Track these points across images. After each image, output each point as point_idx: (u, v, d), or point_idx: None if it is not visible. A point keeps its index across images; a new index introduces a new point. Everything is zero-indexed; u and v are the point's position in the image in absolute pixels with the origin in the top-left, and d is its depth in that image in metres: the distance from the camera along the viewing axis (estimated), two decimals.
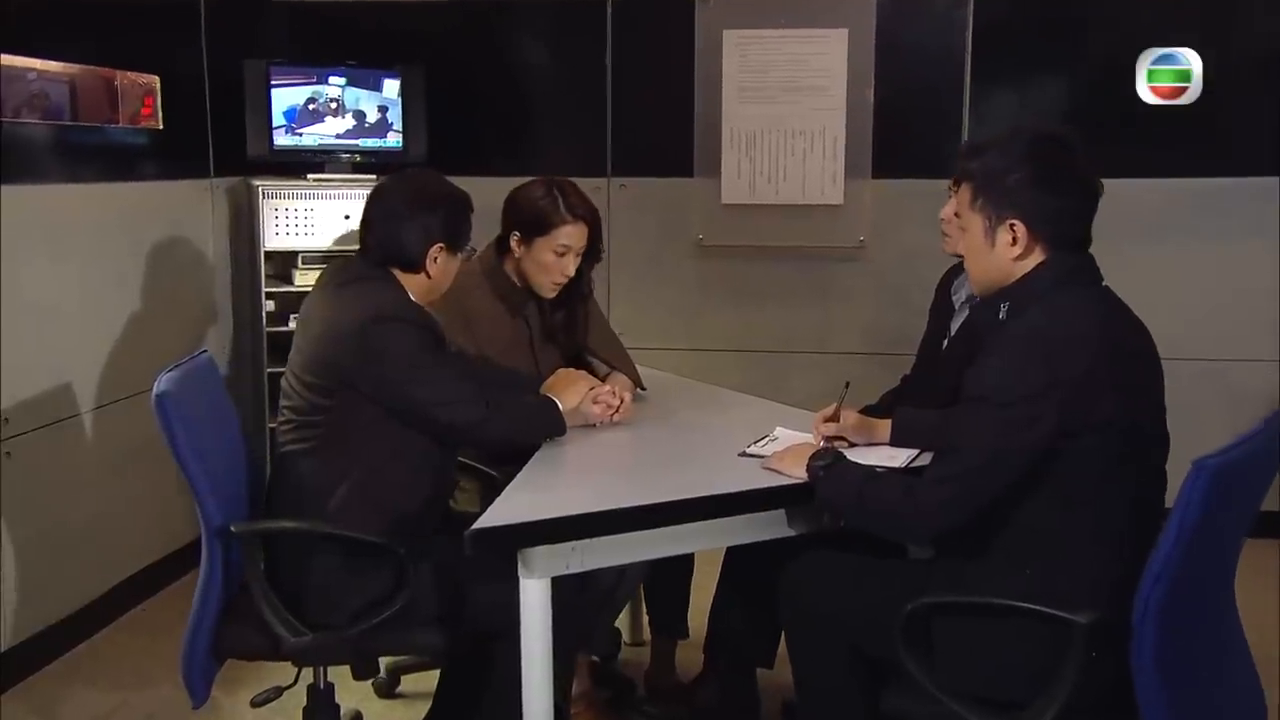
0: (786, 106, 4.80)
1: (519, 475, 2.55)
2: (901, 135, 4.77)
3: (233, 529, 2.45)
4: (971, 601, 2.18)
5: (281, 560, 2.59)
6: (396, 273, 2.69)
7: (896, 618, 2.19)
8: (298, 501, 2.60)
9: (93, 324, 3.87)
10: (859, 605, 2.39)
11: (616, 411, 2.92)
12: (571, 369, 3.05)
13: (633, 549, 2.40)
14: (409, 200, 2.69)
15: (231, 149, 4.52)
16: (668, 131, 4.92)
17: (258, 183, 4.45)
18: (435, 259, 2.69)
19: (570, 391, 2.89)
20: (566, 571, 2.29)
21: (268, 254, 4.46)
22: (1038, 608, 2.08)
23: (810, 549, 2.54)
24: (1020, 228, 2.22)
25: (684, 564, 3.28)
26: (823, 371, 4.63)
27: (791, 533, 2.50)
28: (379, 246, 2.68)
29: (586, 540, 2.29)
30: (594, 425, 2.90)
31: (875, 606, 2.30)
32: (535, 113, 5.03)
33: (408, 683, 3.45)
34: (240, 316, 4.68)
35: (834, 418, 2.70)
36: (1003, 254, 2.26)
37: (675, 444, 2.92)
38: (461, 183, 2.81)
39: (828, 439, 2.68)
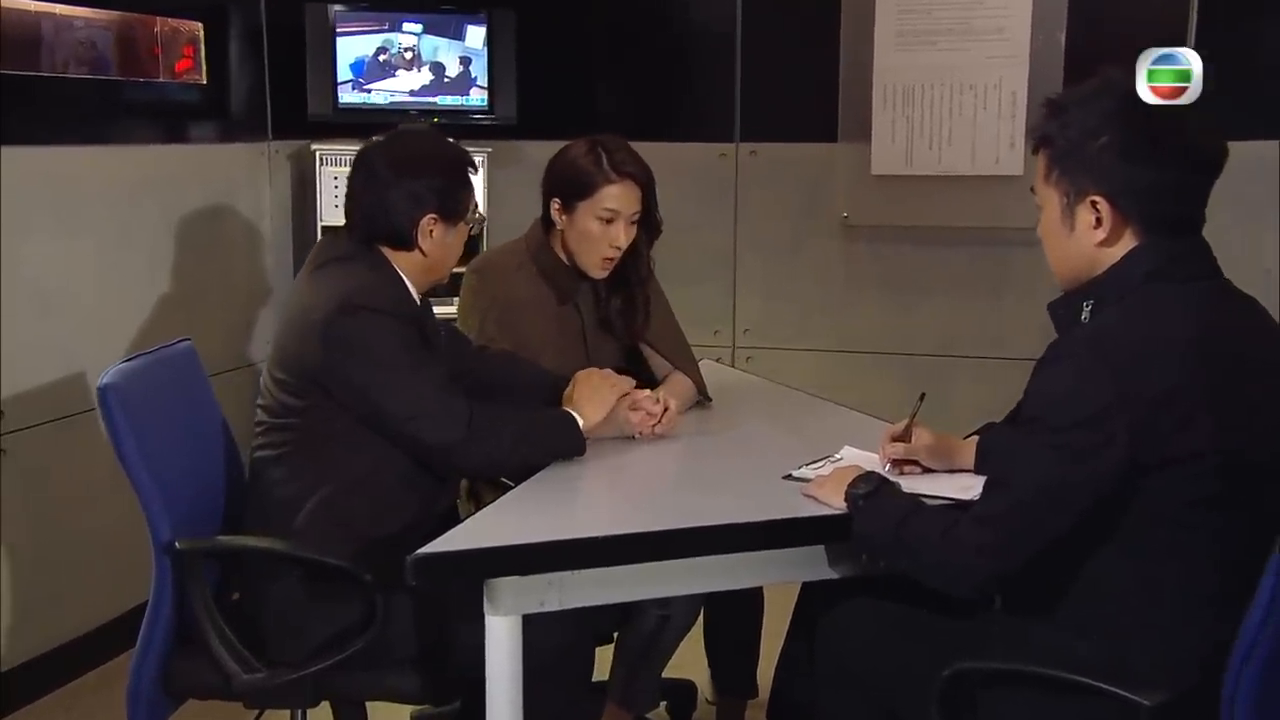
0: (954, 54, 4.67)
1: (509, 492, 2.58)
2: None
3: (178, 545, 2.54)
4: (1016, 670, 2.11)
5: (248, 584, 2.69)
6: (387, 251, 2.74)
7: (934, 683, 2.14)
8: (265, 515, 2.69)
9: (112, 307, 4.05)
10: (898, 665, 2.34)
11: (659, 421, 2.92)
12: (595, 370, 3.00)
13: (624, 586, 2.39)
14: (394, 164, 2.72)
15: (291, 108, 4.69)
16: (807, 86, 4.86)
17: (315, 147, 4.60)
18: (430, 232, 2.72)
19: (593, 403, 2.86)
20: (541, 609, 2.29)
21: (326, 230, 4.57)
22: (1092, 682, 2.00)
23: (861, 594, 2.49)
24: (1104, 205, 2.14)
25: (748, 606, 3.24)
26: (993, 380, 4.49)
27: (833, 575, 2.46)
28: (364, 220, 2.73)
29: (567, 573, 2.29)
30: (633, 437, 2.91)
31: (916, 668, 2.25)
32: (648, 66, 5.05)
33: None
34: None
35: (903, 437, 2.64)
36: (1084, 238, 2.18)
37: (718, 462, 2.89)
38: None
39: (895, 462, 2.62)
